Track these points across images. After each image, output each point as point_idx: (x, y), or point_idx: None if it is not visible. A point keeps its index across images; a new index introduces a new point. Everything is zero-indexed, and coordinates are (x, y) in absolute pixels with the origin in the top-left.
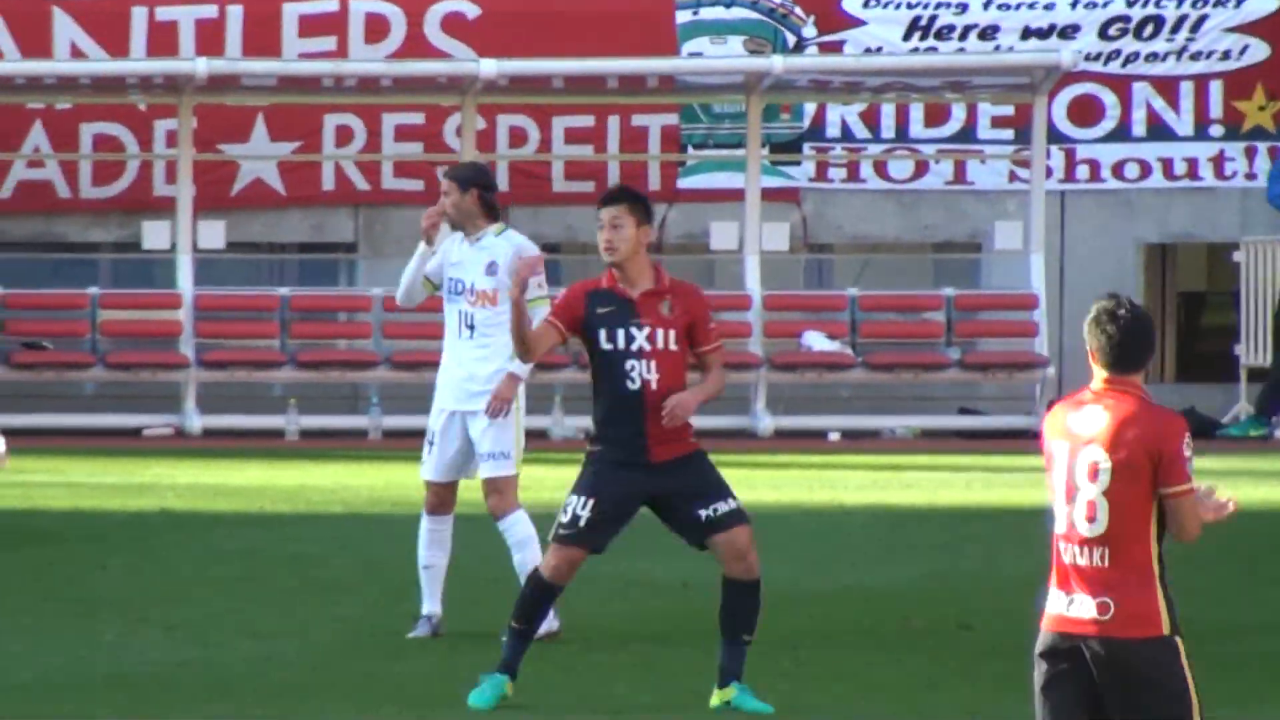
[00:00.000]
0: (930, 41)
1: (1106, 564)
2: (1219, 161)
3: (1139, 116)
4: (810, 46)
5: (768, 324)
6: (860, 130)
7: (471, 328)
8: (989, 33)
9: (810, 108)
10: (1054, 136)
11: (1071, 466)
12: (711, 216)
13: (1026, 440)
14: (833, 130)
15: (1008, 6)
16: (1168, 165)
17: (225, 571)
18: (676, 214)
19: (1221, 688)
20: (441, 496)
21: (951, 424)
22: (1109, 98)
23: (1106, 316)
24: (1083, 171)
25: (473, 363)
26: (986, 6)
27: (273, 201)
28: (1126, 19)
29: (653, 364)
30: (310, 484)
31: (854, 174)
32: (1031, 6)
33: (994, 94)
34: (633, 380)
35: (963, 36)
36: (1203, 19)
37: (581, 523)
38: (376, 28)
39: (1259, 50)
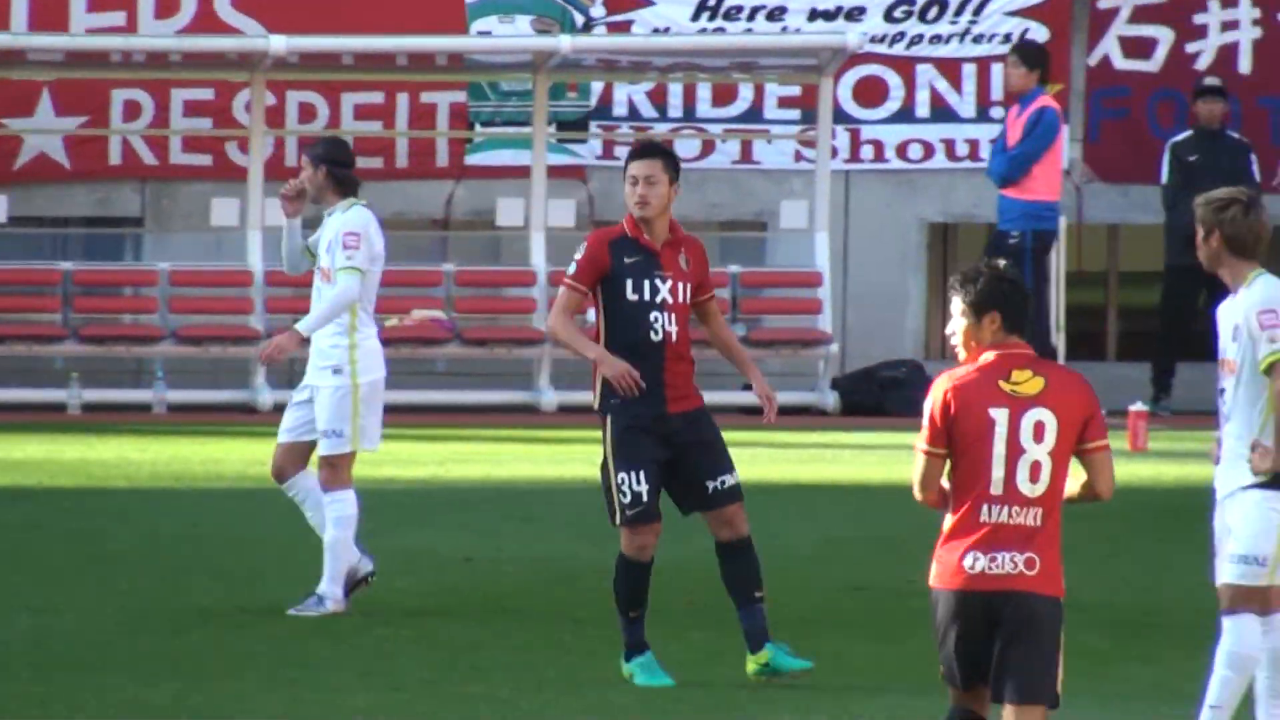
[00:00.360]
0: (718, 22)
1: (1039, 523)
2: None
3: (923, 98)
4: (599, 26)
5: (553, 300)
6: (647, 109)
7: (319, 302)
8: (776, 14)
9: (598, 87)
10: (839, 117)
11: (1015, 428)
12: (498, 193)
13: (810, 416)
14: (620, 109)
15: None
16: (950, 146)
17: (3, 546)
18: (464, 191)
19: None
20: (279, 459)
21: (734, 400)
22: (893, 79)
23: (1011, 282)
24: (867, 152)
25: (317, 337)
26: None
27: (58, 176)
28: (911, 2)
29: (674, 316)
30: (92, 458)
31: None
32: None
33: (781, 74)
34: (656, 332)
35: (750, 17)
36: (985, 2)
37: (645, 497)
38: (167, 3)
39: (1039, 34)
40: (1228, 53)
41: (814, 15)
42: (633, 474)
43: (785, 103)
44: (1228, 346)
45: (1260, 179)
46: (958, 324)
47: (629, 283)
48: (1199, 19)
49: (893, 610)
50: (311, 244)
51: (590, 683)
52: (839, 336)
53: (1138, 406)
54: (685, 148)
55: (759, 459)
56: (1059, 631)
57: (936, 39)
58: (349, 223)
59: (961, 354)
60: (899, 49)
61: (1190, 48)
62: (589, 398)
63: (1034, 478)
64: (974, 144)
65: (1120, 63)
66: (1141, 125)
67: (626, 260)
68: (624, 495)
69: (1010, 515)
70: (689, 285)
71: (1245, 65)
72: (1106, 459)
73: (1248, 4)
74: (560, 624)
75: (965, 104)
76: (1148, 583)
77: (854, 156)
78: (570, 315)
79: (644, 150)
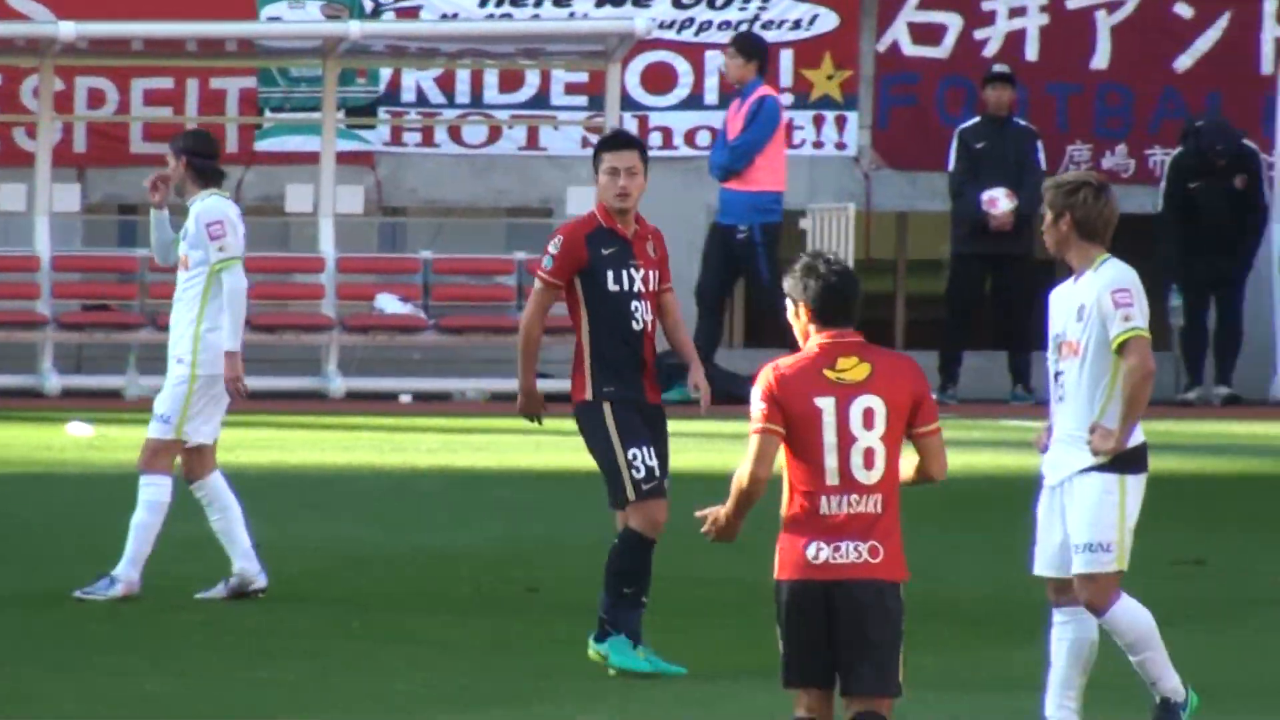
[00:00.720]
0: (506, 8)
1: (880, 510)
2: (789, 129)
3: (712, 84)
4: (387, 12)
5: (341, 286)
6: (436, 95)
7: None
8: (564, 0)
9: (386, 72)
10: (627, 103)
11: (844, 417)
12: (287, 179)
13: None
14: (408, 95)
15: None
16: None
17: None
18: (253, 176)
19: None
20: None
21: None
22: (682, 65)
23: (827, 272)
24: (656, 139)
25: (173, 325)
26: None
27: None
28: None
29: (648, 305)
30: None
31: (429, 138)
32: None
33: (568, 61)
34: (637, 321)
35: (538, 4)
36: None
37: (657, 471)
38: None
39: (828, 20)
40: (1016, 40)
41: (602, 1)
42: (642, 449)
43: (573, 89)
44: (1069, 328)
45: (1046, 166)
46: (791, 313)
47: (609, 274)
48: (987, 6)
49: (679, 599)
50: (181, 235)
51: (377, 670)
52: None
53: None
54: (472, 134)
55: (544, 446)
56: (902, 619)
57: (726, 25)
58: (208, 212)
59: (801, 342)
60: (688, 35)
61: (979, 34)
62: (380, 384)
63: (869, 464)
64: None
65: (909, 49)
66: (930, 112)
67: (604, 251)
68: (637, 470)
69: (850, 504)
70: (656, 273)
71: (1033, 52)
72: (938, 442)
73: None
74: (349, 610)
75: None
76: (936, 570)
77: None
78: (544, 314)
79: (621, 141)
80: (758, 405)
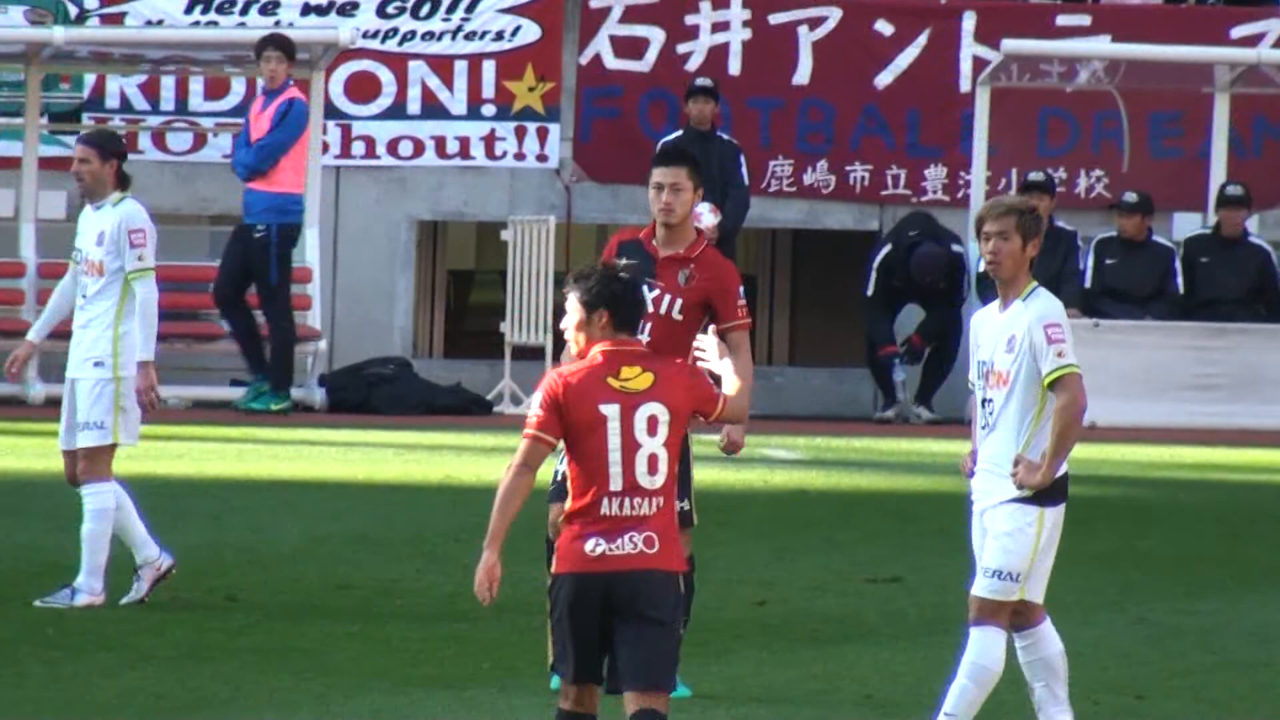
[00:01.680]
0: (211, 15)
1: (657, 510)
2: (490, 141)
3: (415, 94)
4: (93, 18)
5: (42, 292)
6: (140, 102)
7: (85, 296)
8: (270, 8)
9: (91, 78)
10: (331, 112)
11: (629, 424)
12: None
13: (299, 413)
14: (113, 101)
15: None
16: (441, 143)
17: None
18: None
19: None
20: (70, 467)
21: (224, 394)
22: (386, 75)
23: (626, 281)
24: (358, 148)
25: (80, 330)
26: None
27: None
28: None
29: (648, 326)
30: None
31: (133, 145)
32: None
33: None
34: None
35: (244, 11)
36: (477, 0)
37: None
38: None
39: (531, 31)
40: (719, 54)
41: (307, 10)
42: None
43: None
44: (998, 358)
45: (749, 181)
46: (571, 320)
47: None
48: (690, 20)
49: (378, 608)
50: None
51: (73, 678)
52: (328, 333)
53: None
54: (177, 141)
55: (244, 455)
56: (679, 611)
57: (429, 35)
58: (132, 218)
59: (573, 349)
60: (392, 45)
61: (681, 48)
62: None
63: (652, 470)
64: (464, 141)
65: (612, 62)
66: (633, 125)
67: (624, 261)
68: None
69: (632, 507)
70: (680, 300)
71: (735, 67)
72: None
73: (739, 5)
74: (44, 616)
75: (456, 101)
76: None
77: (345, 152)
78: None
79: (671, 156)
80: (535, 411)
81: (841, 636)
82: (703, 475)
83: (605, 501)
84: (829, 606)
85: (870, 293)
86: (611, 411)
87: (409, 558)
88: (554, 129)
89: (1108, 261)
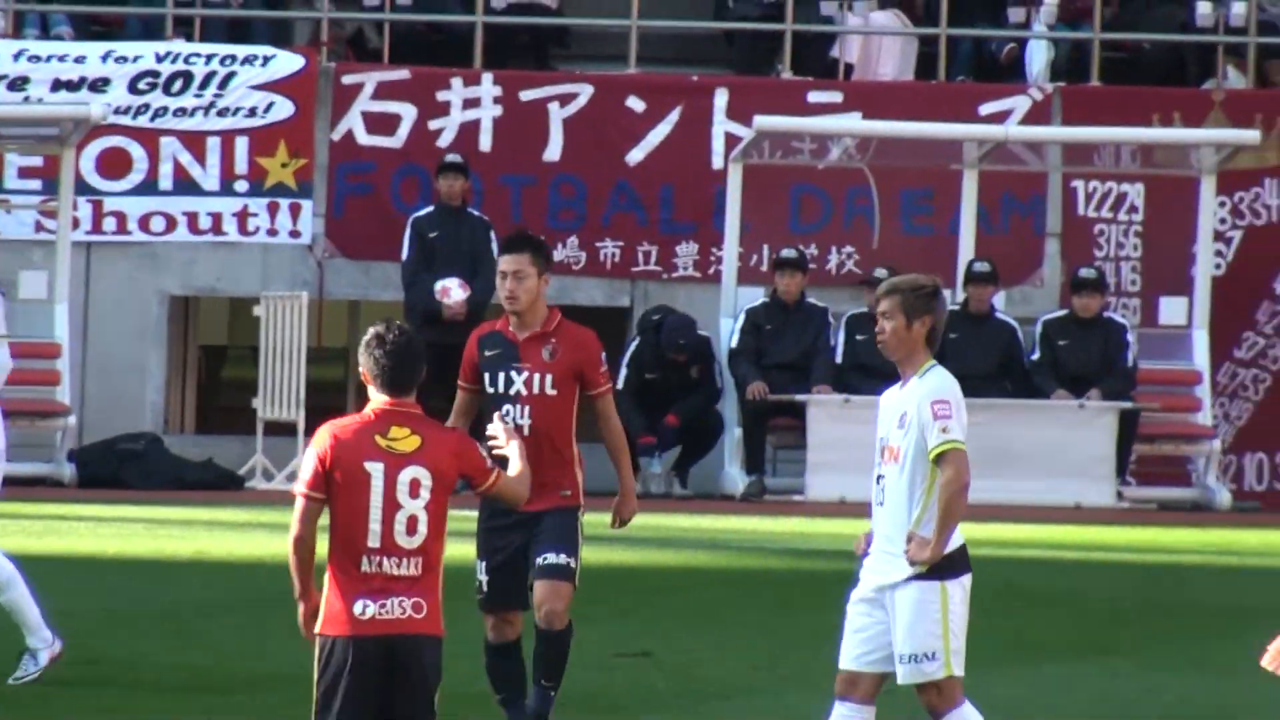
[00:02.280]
0: None
1: (419, 571)
2: (243, 217)
3: (166, 170)
4: None
5: None
6: None
7: None
8: (19, 84)
9: None
10: (82, 188)
11: (392, 484)
12: None
13: (47, 488)
14: None
15: (38, 59)
16: (193, 219)
17: None
18: None
19: None
20: None
21: None
22: (138, 151)
23: (377, 341)
24: (110, 223)
25: None
26: (17, 58)
27: None
28: (156, 74)
29: (527, 408)
30: None
31: None
32: (62, 59)
33: (21, 145)
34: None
35: None
36: (231, 75)
37: (484, 586)
38: None
39: (284, 108)
40: (470, 130)
41: (57, 85)
42: (480, 563)
43: (26, 173)
44: (892, 434)
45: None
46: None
47: (487, 376)
48: (442, 96)
49: (129, 682)
50: None
51: None
52: (78, 408)
53: None
54: None
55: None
56: (440, 672)
57: (181, 111)
58: None
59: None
60: (144, 121)
61: (433, 124)
62: None
63: (410, 530)
64: (217, 217)
65: (364, 138)
66: (385, 201)
67: (487, 353)
68: (477, 582)
69: (390, 566)
70: (549, 376)
71: (487, 143)
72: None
73: (490, 82)
74: None
75: (209, 177)
76: None
77: (96, 228)
78: (468, 412)
79: (511, 243)
80: (309, 466)
81: (591, 711)
82: (456, 550)
83: (365, 559)
84: (579, 681)
85: (621, 386)
86: (376, 470)
87: (160, 633)
88: (306, 205)
89: (858, 337)
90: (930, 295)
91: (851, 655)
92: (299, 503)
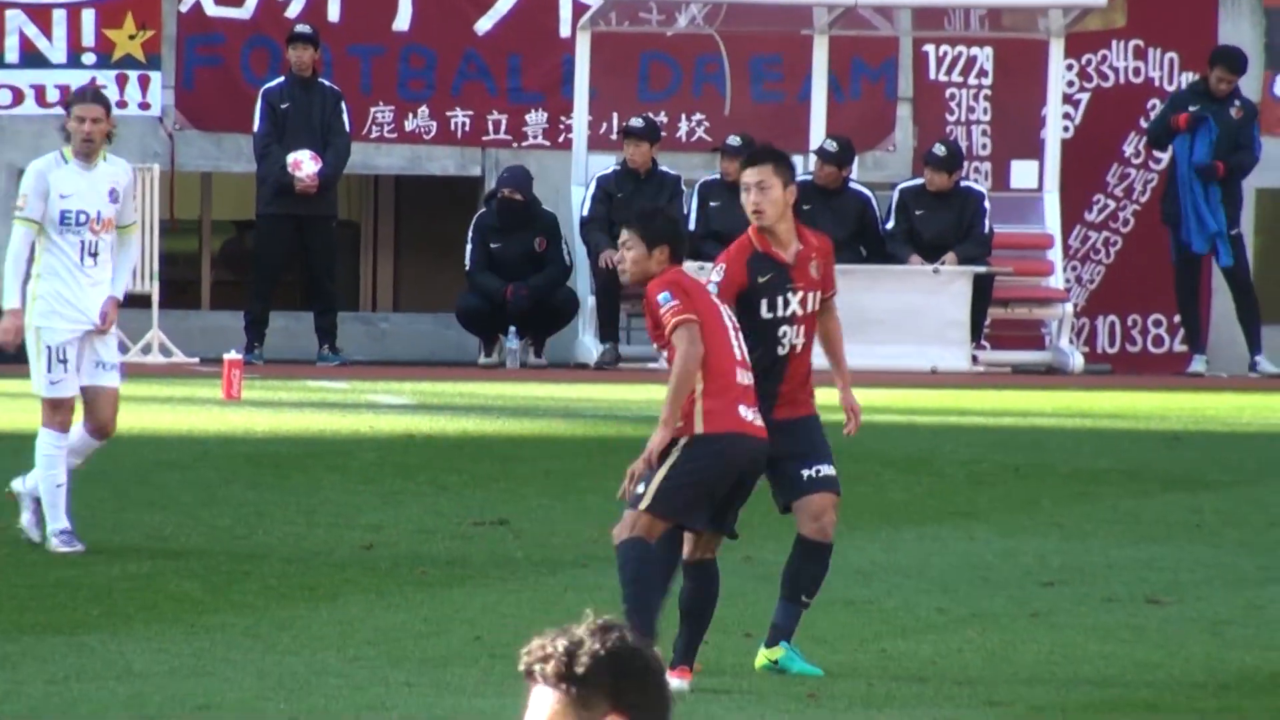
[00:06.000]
0: None
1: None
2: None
3: (12, 43)
4: None
5: None
6: None
7: (93, 255)
8: None
9: None
10: None
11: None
12: None
13: None
14: None
15: None
16: (41, 92)
17: None
18: None
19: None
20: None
21: None
22: None
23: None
24: None
25: (94, 289)
26: None
27: None
28: None
29: (802, 329)
30: None
31: None
32: None
33: None
34: (783, 346)
35: None
36: None
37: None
38: None
39: None
40: (319, 1)
41: None
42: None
43: None
44: None
45: (351, 128)
46: (637, 252)
47: (764, 302)
48: None
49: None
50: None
51: None
52: None
53: (232, 355)
54: None
55: None
56: None
57: None
58: (127, 171)
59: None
60: None
61: None
62: None
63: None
64: (64, 89)
65: (213, 10)
66: (235, 73)
67: (760, 280)
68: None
69: (746, 379)
70: (817, 294)
71: (335, 14)
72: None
73: None
74: None
75: (56, 50)
76: (242, 531)
77: None
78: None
79: (751, 156)
80: (675, 303)
81: (450, 579)
82: (310, 421)
83: (736, 372)
84: (437, 550)
85: (467, 259)
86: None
87: (14, 507)
88: (156, 77)
89: (711, 204)
90: None
91: None
92: (688, 329)
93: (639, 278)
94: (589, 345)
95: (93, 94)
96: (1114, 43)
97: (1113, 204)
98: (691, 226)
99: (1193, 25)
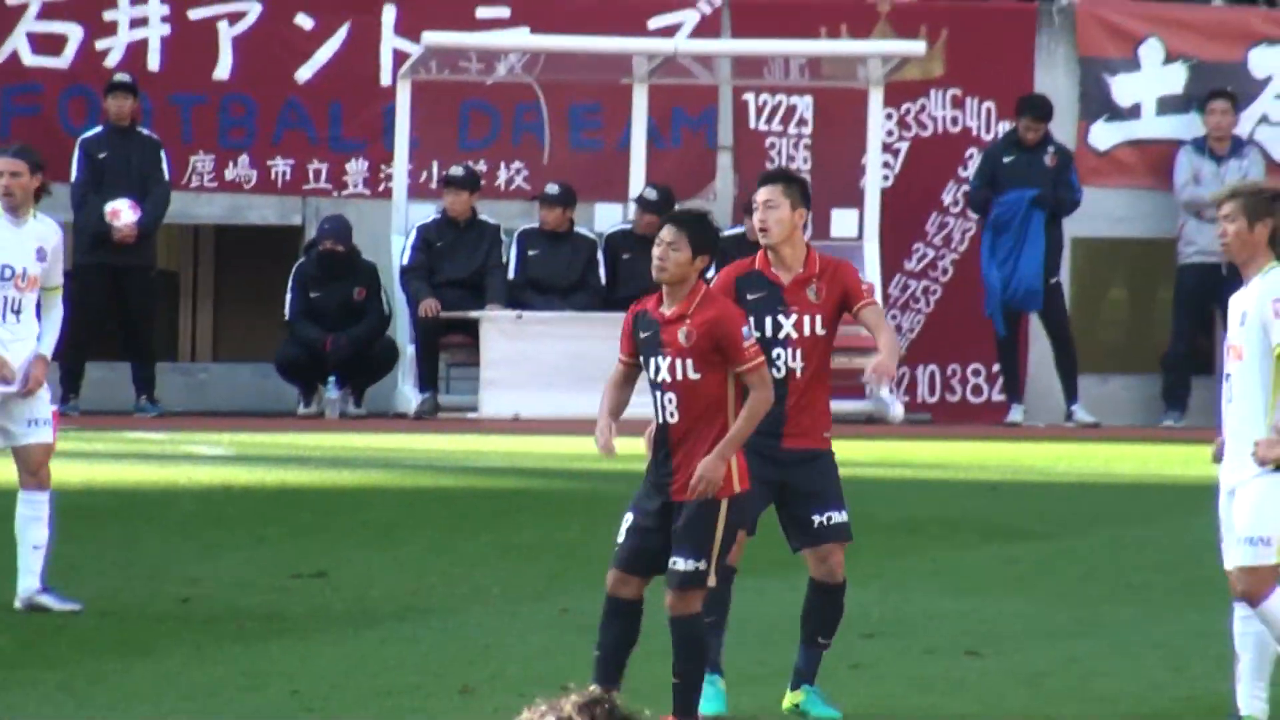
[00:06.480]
0: None
1: None
2: None
3: None
4: None
5: None
6: None
7: (16, 312)
8: None
9: None
10: None
11: None
12: None
13: None
14: None
15: None
16: None
17: None
18: None
19: None
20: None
21: None
22: None
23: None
24: None
25: (19, 345)
26: None
27: None
28: None
29: (799, 352)
30: None
31: None
32: None
33: None
34: (779, 369)
35: None
36: None
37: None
38: None
39: None
40: (138, 49)
41: None
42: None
43: None
44: (1234, 333)
45: (170, 176)
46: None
47: (751, 319)
48: (109, 16)
49: None
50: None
51: None
52: None
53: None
54: None
55: None
56: None
57: None
58: (57, 232)
59: None
60: None
61: (101, 44)
62: None
63: None
64: None
65: (30, 59)
66: (54, 122)
67: (749, 297)
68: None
69: None
70: (819, 317)
71: (155, 63)
72: None
73: (157, 1)
74: None
75: None
76: (56, 584)
77: None
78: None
79: (764, 176)
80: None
81: (268, 632)
82: (127, 472)
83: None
84: (255, 602)
85: (287, 309)
86: None
87: None
88: None
89: (531, 253)
90: (1273, 199)
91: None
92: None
93: (676, 279)
94: (408, 394)
95: (14, 150)
96: (932, 92)
97: (932, 253)
98: (511, 275)
99: (1009, 75)
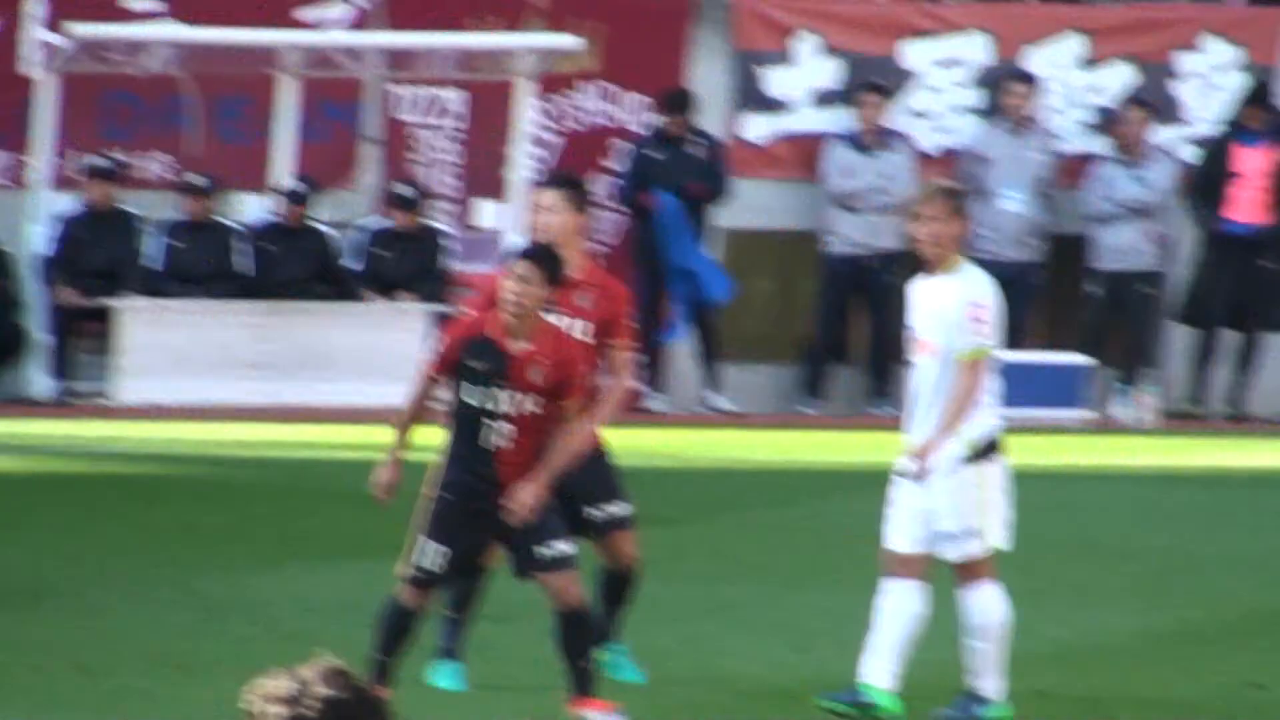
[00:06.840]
0: None
1: None
2: None
3: None
4: None
5: None
6: None
7: None
8: None
9: None
10: None
11: None
12: None
13: None
14: None
15: None
16: None
17: None
18: None
19: None
20: None
21: None
22: None
23: None
24: None
25: None
26: None
27: None
28: None
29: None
30: None
31: None
32: None
33: None
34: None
35: None
36: None
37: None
38: None
39: None
40: None
41: None
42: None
43: None
44: (926, 326)
45: None
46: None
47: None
48: None
49: None
50: None
51: None
52: None
53: None
54: None
55: None
56: None
57: None
58: None
59: None
60: None
61: None
62: None
63: None
64: None
65: None
66: None
67: None
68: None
69: None
70: (589, 324)
71: None
72: None
73: None
74: None
75: None
76: None
77: None
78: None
79: (545, 180)
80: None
81: None
82: None
83: None
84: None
85: None
86: None
87: None
88: None
89: (172, 243)
90: (964, 196)
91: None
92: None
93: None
94: (41, 381)
95: None
96: (585, 85)
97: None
98: (152, 264)
99: (661, 68)
